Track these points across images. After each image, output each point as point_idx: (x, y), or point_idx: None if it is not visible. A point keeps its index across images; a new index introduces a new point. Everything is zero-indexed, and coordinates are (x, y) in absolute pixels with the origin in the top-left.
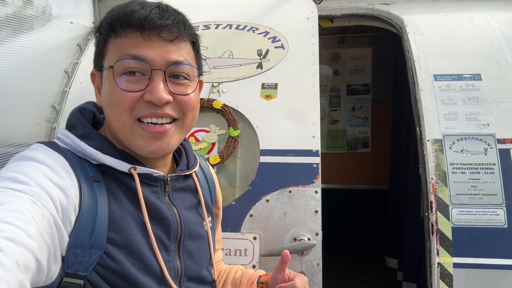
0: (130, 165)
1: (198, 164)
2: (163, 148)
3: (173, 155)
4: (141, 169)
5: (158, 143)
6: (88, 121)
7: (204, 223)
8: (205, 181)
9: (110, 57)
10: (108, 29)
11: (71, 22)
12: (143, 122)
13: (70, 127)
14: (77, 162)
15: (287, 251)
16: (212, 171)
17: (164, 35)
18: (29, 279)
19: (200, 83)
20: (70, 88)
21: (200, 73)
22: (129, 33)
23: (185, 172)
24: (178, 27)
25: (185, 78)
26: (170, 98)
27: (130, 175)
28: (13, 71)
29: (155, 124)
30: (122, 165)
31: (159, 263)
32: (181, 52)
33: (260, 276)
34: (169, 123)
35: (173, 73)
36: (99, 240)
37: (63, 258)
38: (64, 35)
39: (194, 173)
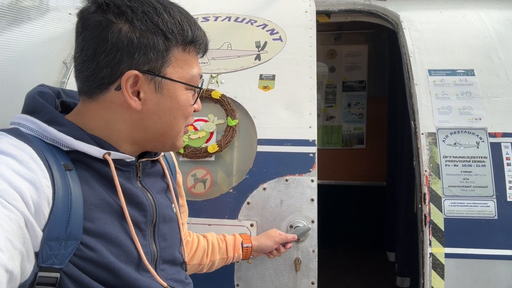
0: (105, 151)
1: None
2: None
3: None
4: (115, 155)
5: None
6: (51, 105)
7: (173, 206)
8: (167, 164)
9: (178, 70)
10: (175, 39)
11: (70, 13)
12: None
13: (30, 111)
14: (46, 149)
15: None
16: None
17: None
18: None
19: None
20: (68, 79)
21: None
22: (192, 51)
23: (155, 157)
24: None
25: None
26: None
27: (102, 161)
28: (10, 62)
29: None
30: (96, 151)
31: (136, 248)
32: None
33: (241, 242)
34: None
35: None
36: (75, 231)
37: (36, 254)
38: (62, 26)
39: (161, 157)
